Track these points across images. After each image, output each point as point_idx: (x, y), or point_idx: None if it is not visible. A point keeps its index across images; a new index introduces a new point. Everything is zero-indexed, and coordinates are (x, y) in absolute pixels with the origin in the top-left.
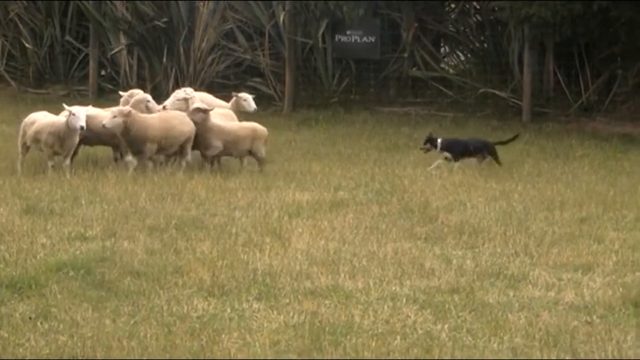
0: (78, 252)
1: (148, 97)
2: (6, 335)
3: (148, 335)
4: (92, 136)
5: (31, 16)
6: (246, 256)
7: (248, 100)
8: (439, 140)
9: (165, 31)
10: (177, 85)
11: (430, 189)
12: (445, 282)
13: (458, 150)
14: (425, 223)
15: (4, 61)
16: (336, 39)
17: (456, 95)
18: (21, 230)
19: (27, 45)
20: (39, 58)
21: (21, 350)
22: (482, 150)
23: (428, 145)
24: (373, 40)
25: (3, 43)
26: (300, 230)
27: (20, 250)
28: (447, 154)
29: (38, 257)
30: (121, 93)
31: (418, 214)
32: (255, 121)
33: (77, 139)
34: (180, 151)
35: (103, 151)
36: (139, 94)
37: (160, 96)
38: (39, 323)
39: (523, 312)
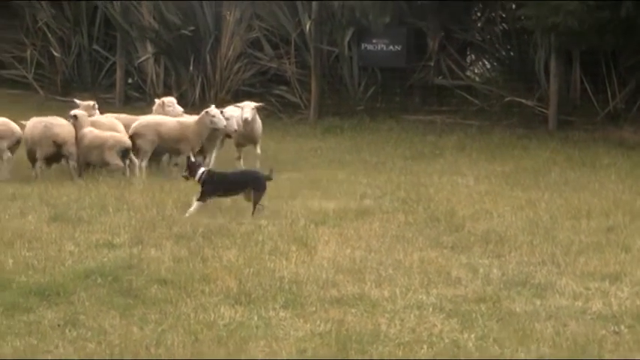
0: (105, 259)
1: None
2: (35, 342)
3: (175, 343)
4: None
5: (59, 25)
6: (272, 264)
7: (173, 105)
8: (201, 170)
9: (191, 39)
10: (203, 94)
11: (456, 198)
12: (472, 291)
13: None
14: (451, 231)
15: (33, 69)
16: (362, 47)
17: (481, 103)
18: (49, 238)
19: (55, 53)
20: (67, 67)
21: (49, 357)
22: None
23: (186, 174)
24: (399, 49)
25: (31, 51)
26: (326, 238)
27: (48, 258)
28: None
29: (66, 264)
30: (156, 100)
31: (444, 222)
32: (281, 129)
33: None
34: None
35: None
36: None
37: (186, 104)
38: (67, 330)
39: (550, 321)
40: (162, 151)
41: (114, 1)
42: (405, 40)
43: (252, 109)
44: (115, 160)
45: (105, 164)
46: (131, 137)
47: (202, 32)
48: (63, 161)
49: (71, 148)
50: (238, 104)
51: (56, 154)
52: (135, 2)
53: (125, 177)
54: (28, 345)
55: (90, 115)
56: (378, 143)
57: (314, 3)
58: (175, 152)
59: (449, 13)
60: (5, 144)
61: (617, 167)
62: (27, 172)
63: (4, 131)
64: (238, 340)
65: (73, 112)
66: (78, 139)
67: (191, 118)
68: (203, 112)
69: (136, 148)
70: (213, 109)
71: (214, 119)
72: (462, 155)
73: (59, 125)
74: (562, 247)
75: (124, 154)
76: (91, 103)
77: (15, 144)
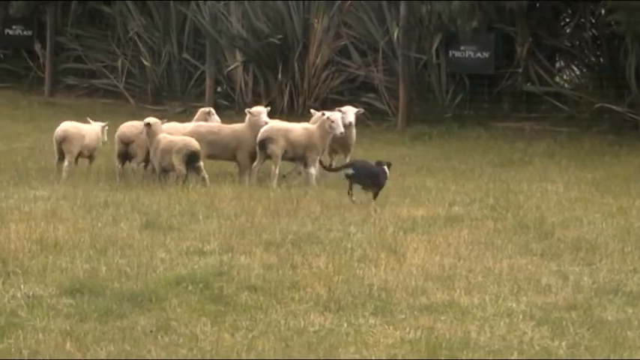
0: (196, 266)
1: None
2: (128, 348)
3: (266, 349)
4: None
5: (149, 35)
6: (361, 272)
7: (213, 115)
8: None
9: (280, 47)
10: (292, 101)
11: (546, 205)
12: (562, 298)
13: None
14: (541, 239)
15: (124, 79)
16: (450, 54)
17: (571, 110)
18: (141, 245)
19: (145, 63)
20: (157, 76)
21: None
22: None
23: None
24: (487, 55)
25: (122, 61)
26: (415, 246)
27: (140, 265)
28: None
29: (158, 271)
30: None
31: (534, 230)
32: (369, 136)
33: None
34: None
35: (220, 167)
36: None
37: (275, 112)
38: (159, 336)
39: None
40: (291, 157)
41: (203, 11)
42: (493, 46)
43: (355, 113)
44: (179, 165)
45: (173, 169)
46: (262, 142)
47: (290, 40)
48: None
49: (137, 150)
50: (340, 109)
51: (125, 152)
52: (224, 10)
53: (208, 184)
54: (121, 350)
55: (206, 121)
56: (467, 150)
57: (402, 10)
58: (301, 159)
59: (537, 19)
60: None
61: None
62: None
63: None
64: (328, 347)
65: (147, 120)
66: (153, 146)
67: (239, 126)
68: (323, 117)
69: (268, 153)
70: (334, 114)
71: (334, 125)
72: (551, 162)
73: (127, 126)
74: None
75: (192, 158)
76: (207, 109)
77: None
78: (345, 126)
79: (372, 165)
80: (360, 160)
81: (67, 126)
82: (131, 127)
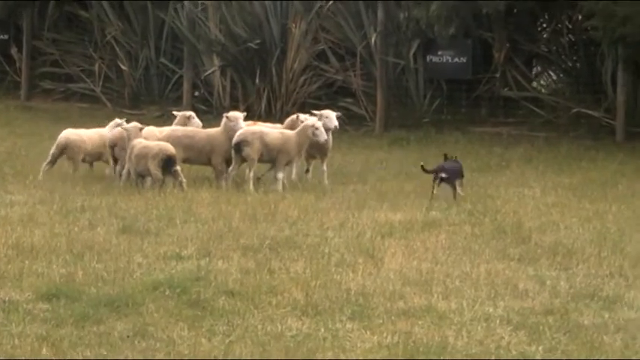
0: (174, 271)
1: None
2: (105, 353)
3: (244, 354)
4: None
5: (127, 39)
6: (339, 276)
7: (193, 118)
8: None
9: (257, 52)
10: (269, 106)
11: (523, 209)
12: (539, 303)
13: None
14: (518, 243)
15: (101, 83)
16: (428, 59)
17: (548, 115)
18: (118, 249)
19: (123, 67)
20: (134, 80)
21: None
22: None
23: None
24: (465, 60)
25: (100, 65)
26: (393, 250)
27: (118, 269)
28: None
29: (135, 276)
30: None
31: (511, 234)
32: (347, 141)
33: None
34: None
35: (198, 171)
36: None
37: (252, 117)
38: (136, 341)
39: (619, 334)
40: (267, 160)
41: (180, 16)
42: (470, 51)
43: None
44: (155, 170)
45: (149, 174)
46: (238, 145)
47: (268, 45)
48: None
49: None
50: (315, 112)
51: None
52: (202, 15)
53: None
54: (98, 355)
55: (185, 125)
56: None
57: (379, 15)
58: (273, 162)
59: (515, 24)
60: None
61: None
62: (95, 184)
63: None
64: (306, 352)
65: (124, 126)
66: (128, 151)
67: (214, 130)
68: (307, 124)
69: (243, 156)
70: (317, 122)
71: (317, 132)
72: (528, 167)
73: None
74: (630, 259)
75: (168, 163)
76: (187, 113)
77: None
78: (328, 130)
79: (451, 163)
80: (441, 163)
81: (69, 133)
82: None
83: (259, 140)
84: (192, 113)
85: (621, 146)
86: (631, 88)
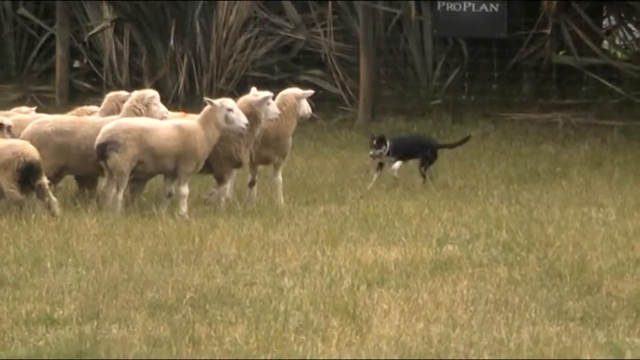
0: (42, 343)
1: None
2: None
3: None
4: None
5: None
6: (301, 348)
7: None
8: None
9: None
10: (192, 82)
11: (589, 240)
12: None
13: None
14: (581, 294)
15: None
16: (439, 7)
17: (627, 93)
18: None
19: None
20: None
21: None
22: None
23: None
24: (496, 9)
25: None
26: (386, 307)
27: None
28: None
29: None
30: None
31: (570, 280)
32: (314, 136)
33: None
34: None
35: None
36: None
37: (165, 98)
38: None
39: None
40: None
41: None
42: None
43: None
44: (9, 188)
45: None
46: (102, 147)
47: None
48: None
49: None
50: (257, 92)
51: None
52: None
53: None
54: None
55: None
56: (466, 157)
57: None
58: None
59: None
60: None
61: None
62: None
63: None
64: None
65: None
66: None
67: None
68: (213, 106)
69: (108, 166)
70: (228, 101)
71: (231, 115)
72: (597, 174)
73: None
74: None
75: (28, 174)
76: (136, 94)
77: None
78: (305, 117)
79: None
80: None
81: None
82: None
83: (137, 141)
84: (154, 93)
85: None
86: None
